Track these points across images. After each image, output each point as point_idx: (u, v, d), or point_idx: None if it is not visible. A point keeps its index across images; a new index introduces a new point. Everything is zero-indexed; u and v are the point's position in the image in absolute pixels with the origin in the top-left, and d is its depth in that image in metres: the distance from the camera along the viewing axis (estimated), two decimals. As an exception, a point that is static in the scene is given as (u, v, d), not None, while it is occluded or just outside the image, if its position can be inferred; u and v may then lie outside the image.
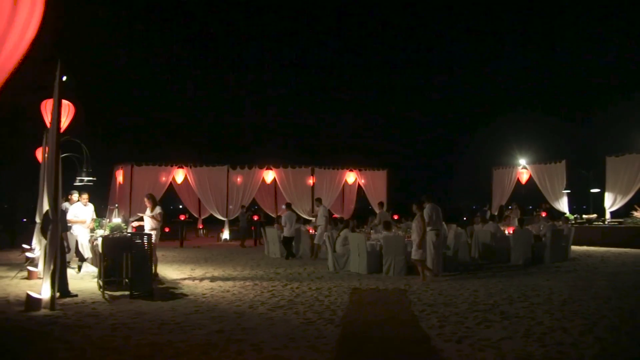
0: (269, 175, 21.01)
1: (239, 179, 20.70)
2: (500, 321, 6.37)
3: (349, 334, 5.88)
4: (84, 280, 9.87)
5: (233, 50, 59.37)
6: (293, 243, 14.56)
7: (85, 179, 12.93)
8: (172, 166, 19.83)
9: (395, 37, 66.34)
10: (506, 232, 13.80)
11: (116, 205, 12.36)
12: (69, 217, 10.56)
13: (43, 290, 7.01)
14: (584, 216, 18.84)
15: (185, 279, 10.30)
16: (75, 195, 11.16)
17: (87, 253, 10.84)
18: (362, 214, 20.53)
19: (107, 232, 9.76)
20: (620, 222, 17.26)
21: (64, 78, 7.71)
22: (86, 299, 7.85)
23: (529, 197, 22.69)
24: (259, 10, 60.02)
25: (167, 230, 18.71)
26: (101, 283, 8.47)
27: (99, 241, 8.89)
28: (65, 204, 10.69)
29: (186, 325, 6.14)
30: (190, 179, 20.02)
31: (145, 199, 10.68)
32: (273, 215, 21.73)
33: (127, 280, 8.53)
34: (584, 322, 6.24)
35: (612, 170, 18.61)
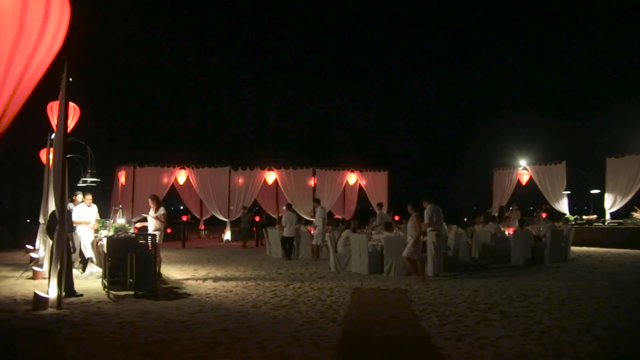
0: (271, 176, 21.14)
1: (240, 180, 20.83)
2: (500, 320, 6.48)
3: (350, 332, 6.00)
4: (89, 280, 9.99)
5: (234, 51, 59.52)
6: (294, 243, 14.69)
7: (89, 179, 13.04)
8: (174, 167, 19.96)
9: (396, 38, 66.49)
10: (506, 232, 13.91)
11: (120, 206, 12.47)
12: (73, 218, 10.67)
13: (50, 289, 7.13)
14: (584, 217, 18.94)
15: (188, 279, 10.42)
16: (79, 196, 11.27)
17: (88, 253, 10.90)
18: (363, 214, 20.63)
19: (111, 233, 9.88)
20: (620, 223, 17.36)
21: (70, 79, 7.83)
22: (91, 299, 7.98)
23: (530, 198, 22.78)
24: (258, 10, 60.18)
25: (169, 231, 18.82)
26: (106, 283, 8.58)
27: (104, 241, 9.00)
28: (70, 205, 10.81)
29: (191, 324, 6.26)
30: (192, 180, 20.15)
31: (149, 200, 10.81)
32: (275, 216, 21.85)
33: (131, 280, 8.65)
34: (582, 321, 6.34)
35: (612, 171, 18.70)
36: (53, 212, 8.12)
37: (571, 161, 20.35)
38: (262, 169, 20.95)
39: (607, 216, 18.53)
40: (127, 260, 8.71)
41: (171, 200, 23.48)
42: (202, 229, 23.47)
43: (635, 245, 15.60)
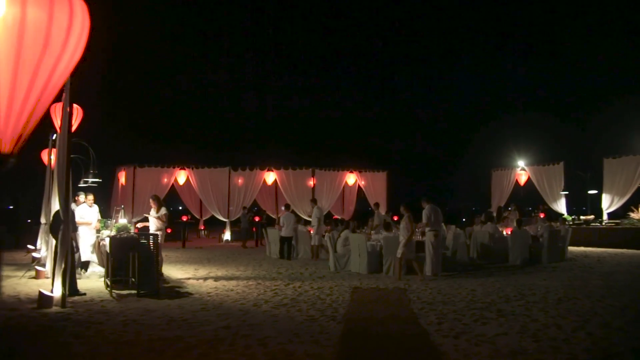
0: (270, 177, 21.27)
1: (240, 181, 20.95)
2: (497, 318, 6.60)
3: (350, 330, 6.11)
4: (91, 279, 10.09)
5: (234, 52, 59.62)
6: (293, 243, 14.81)
7: (90, 180, 13.14)
8: (174, 168, 20.09)
9: (395, 39, 66.62)
10: (504, 233, 14.04)
11: (122, 206, 12.57)
12: (75, 218, 10.75)
13: (54, 288, 7.24)
14: (582, 217, 19.08)
15: (189, 278, 10.53)
16: (81, 197, 11.34)
17: (85, 256, 10.81)
18: (362, 215, 20.75)
19: (113, 233, 9.98)
20: (617, 223, 17.51)
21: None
22: (94, 298, 8.08)
23: (528, 199, 22.94)
24: (256, 11, 60.28)
25: (169, 231, 18.91)
26: (109, 282, 8.69)
27: (107, 241, 9.11)
28: (72, 205, 10.88)
29: (194, 322, 6.38)
30: (192, 181, 20.27)
31: (151, 200, 10.91)
32: (274, 216, 21.97)
33: (133, 280, 8.75)
34: (577, 319, 6.47)
35: (610, 172, 18.85)
36: (57, 212, 8.23)
37: (569, 162, 20.52)
38: (262, 169, 21.08)
39: (605, 216, 18.67)
40: (129, 259, 8.81)
41: (171, 200, 23.60)
42: (201, 229, 23.58)
43: (632, 246, 15.75)
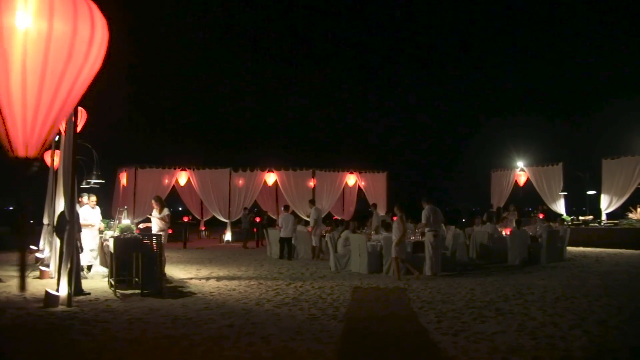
0: (271, 178, 21.40)
1: (240, 182, 21.06)
2: (495, 317, 6.72)
3: (351, 328, 6.24)
4: (94, 279, 10.21)
5: (233, 51, 59.78)
6: (293, 243, 14.93)
7: (93, 181, 13.24)
8: (175, 169, 20.20)
9: (395, 39, 66.74)
10: (503, 233, 14.15)
11: (125, 207, 12.68)
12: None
13: (60, 287, 7.36)
14: (580, 218, 19.19)
15: (191, 278, 10.65)
16: (84, 198, 11.43)
17: (85, 260, 10.82)
18: (362, 215, 20.86)
19: (117, 233, 10.09)
20: (615, 224, 17.61)
21: None
22: (99, 297, 8.21)
23: (527, 199, 23.06)
24: (256, 11, 60.44)
25: (170, 231, 18.99)
26: (113, 282, 8.81)
27: (110, 241, 9.23)
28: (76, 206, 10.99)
29: (198, 320, 6.50)
30: (193, 182, 20.38)
31: (153, 201, 11.01)
32: (275, 217, 22.07)
33: (137, 279, 8.88)
34: (574, 318, 6.60)
35: (608, 172, 18.95)
36: (62, 212, 8.35)
37: (568, 162, 20.63)
38: (262, 170, 21.19)
39: (604, 217, 18.78)
40: (133, 259, 8.94)
41: (172, 201, 23.71)
42: (202, 230, 23.68)
43: (631, 246, 15.86)
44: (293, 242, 14.99)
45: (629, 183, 18.27)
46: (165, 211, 10.69)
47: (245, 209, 20.39)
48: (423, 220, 10.75)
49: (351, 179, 22.49)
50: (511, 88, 65.49)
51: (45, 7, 3.17)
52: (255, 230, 20.35)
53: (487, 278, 10.31)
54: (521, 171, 21.86)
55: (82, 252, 9.28)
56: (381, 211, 20.28)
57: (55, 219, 9.12)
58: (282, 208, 16.64)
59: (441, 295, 8.36)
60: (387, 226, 12.15)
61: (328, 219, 19.09)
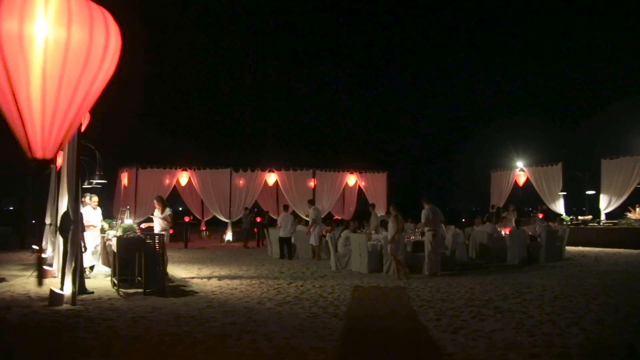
0: (271, 178, 21.50)
1: (241, 182, 21.17)
2: (494, 315, 6.82)
3: (352, 326, 6.34)
4: (97, 279, 10.30)
5: (233, 52, 59.83)
6: (292, 242, 15.02)
7: (95, 182, 13.32)
8: (176, 169, 20.31)
9: (394, 39, 66.84)
10: (503, 232, 14.25)
11: (127, 207, 12.78)
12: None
13: (65, 286, 7.46)
14: (579, 217, 19.29)
15: (193, 277, 10.74)
16: (87, 198, 11.50)
17: (87, 262, 10.89)
18: (362, 215, 20.96)
19: (119, 233, 10.18)
20: (614, 224, 17.71)
21: None
22: (102, 296, 8.30)
23: (527, 199, 23.15)
24: (256, 10, 60.51)
25: (171, 231, 19.07)
26: (116, 281, 8.91)
27: (113, 241, 9.33)
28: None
29: (201, 318, 6.60)
30: (194, 182, 20.48)
31: (155, 201, 11.10)
32: (276, 217, 22.17)
33: (139, 278, 8.97)
34: (571, 316, 6.69)
35: (607, 172, 19.06)
36: (65, 212, 8.44)
37: (567, 163, 20.73)
38: (263, 170, 21.29)
39: (603, 217, 18.87)
40: (136, 259, 9.03)
41: (173, 201, 23.80)
42: (203, 230, 23.78)
43: (629, 245, 15.96)
44: (293, 241, 15.09)
45: (628, 183, 18.38)
46: (167, 211, 10.79)
47: (246, 209, 20.49)
48: (422, 220, 10.85)
49: (351, 179, 22.59)
50: (511, 89, 65.57)
51: (64, 16, 3.27)
52: (256, 230, 20.45)
53: (486, 277, 10.40)
54: (521, 171, 21.96)
55: (85, 251, 9.37)
56: (381, 211, 20.39)
57: (59, 218, 9.21)
58: (282, 208, 16.76)
59: (441, 294, 8.45)
60: (386, 226, 12.23)
61: (328, 219, 19.18)
